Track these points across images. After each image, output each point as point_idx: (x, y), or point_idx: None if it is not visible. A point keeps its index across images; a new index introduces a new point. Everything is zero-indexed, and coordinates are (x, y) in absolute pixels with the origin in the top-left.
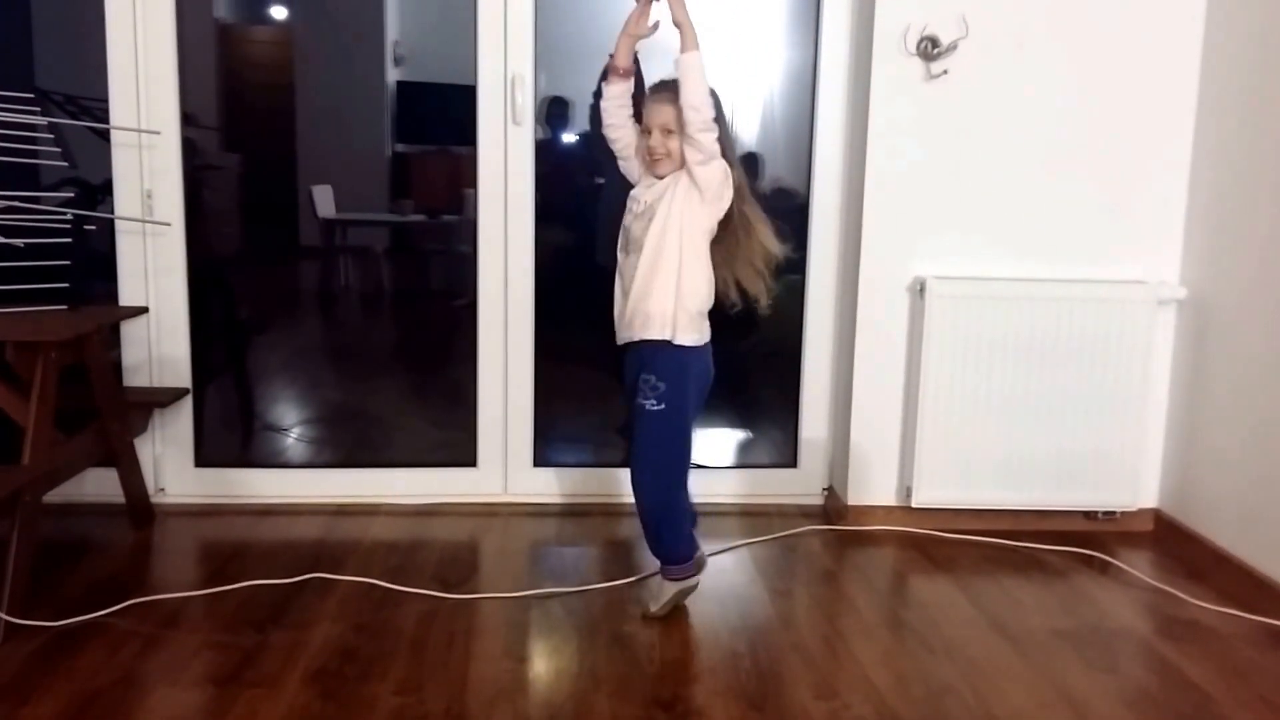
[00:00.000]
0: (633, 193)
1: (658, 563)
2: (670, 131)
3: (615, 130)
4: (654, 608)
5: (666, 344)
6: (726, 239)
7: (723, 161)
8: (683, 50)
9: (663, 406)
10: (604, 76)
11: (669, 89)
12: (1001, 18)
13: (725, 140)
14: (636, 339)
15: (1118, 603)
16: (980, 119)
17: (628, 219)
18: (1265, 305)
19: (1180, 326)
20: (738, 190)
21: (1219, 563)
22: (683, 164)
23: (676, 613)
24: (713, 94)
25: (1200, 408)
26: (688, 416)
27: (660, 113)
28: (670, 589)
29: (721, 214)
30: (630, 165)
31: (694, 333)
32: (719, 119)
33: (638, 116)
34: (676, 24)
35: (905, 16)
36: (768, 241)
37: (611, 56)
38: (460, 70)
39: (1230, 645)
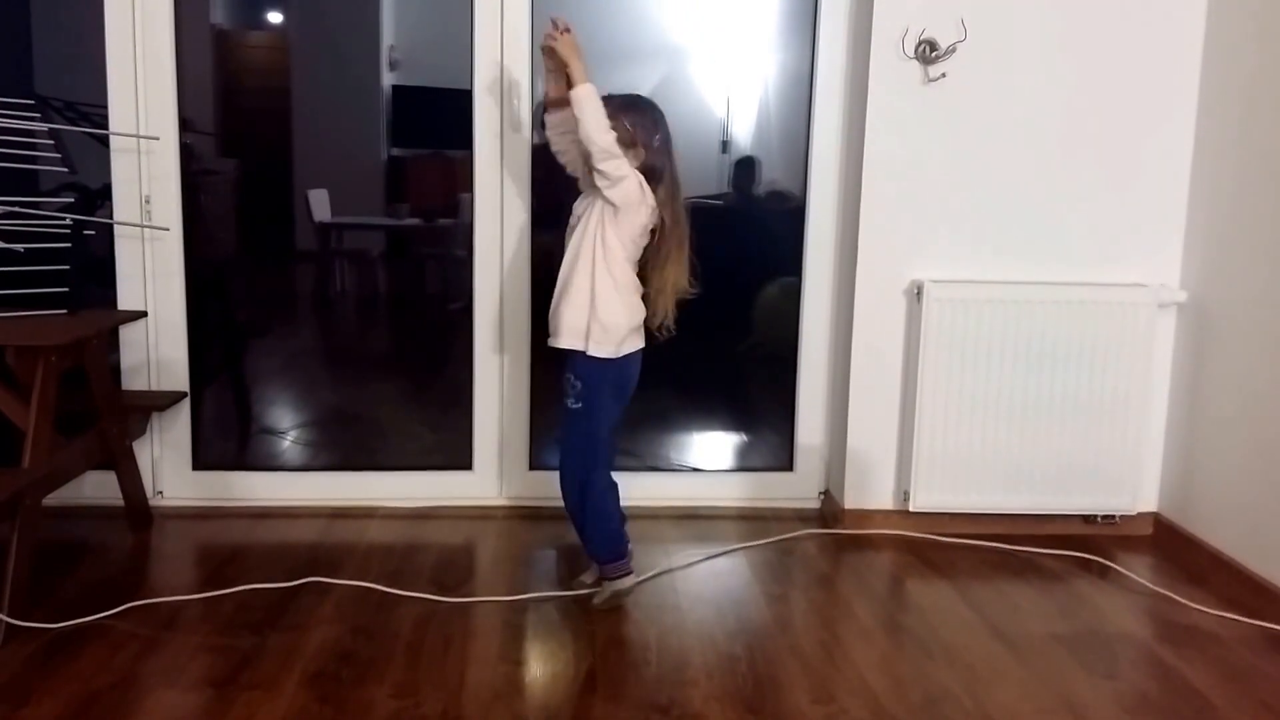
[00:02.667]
0: (575, 203)
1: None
2: None
3: (561, 155)
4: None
5: (581, 353)
6: (649, 258)
7: (634, 178)
8: (571, 85)
9: (580, 405)
10: (544, 108)
11: (610, 103)
12: (1000, 21)
13: (661, 160)
14: (552, 345)
15: (1117, 607)
16: (978, 122)
17: (569, 230)
18: (1266, 309)
19: (1180, 330)
20: (674, 215)
21: (1219, 567)
22: None
23: (673, 615)
24: (651, 112)
25: (1200, 412)
26: (600, 420)
27: None
28: (608, 588)
29: (638, 228)
30: (580, 179)
31: (609, 345)
32: (661, 135)
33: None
34: (563, 62)
35: (903, 20)
36: (679, 273)
37: (545, 92)
38: (456, 75)
39: (1230, 650)
